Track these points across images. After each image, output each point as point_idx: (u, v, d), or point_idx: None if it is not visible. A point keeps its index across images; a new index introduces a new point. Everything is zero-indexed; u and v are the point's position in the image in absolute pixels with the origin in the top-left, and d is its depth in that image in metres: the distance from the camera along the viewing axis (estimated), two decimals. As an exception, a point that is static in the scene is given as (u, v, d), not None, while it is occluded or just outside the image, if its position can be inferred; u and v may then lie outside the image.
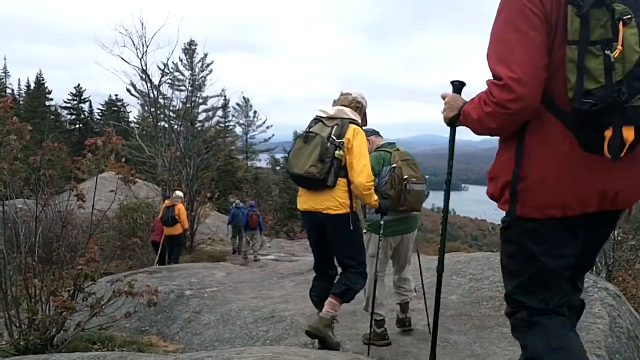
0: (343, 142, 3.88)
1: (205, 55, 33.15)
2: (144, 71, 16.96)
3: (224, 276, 8.35)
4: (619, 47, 1.62)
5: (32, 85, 49.07)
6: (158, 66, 19.64)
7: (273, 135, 47.94)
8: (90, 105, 51.49)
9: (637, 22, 1.65)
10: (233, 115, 44.58)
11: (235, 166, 36.99)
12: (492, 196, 2.06)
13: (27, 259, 5.02)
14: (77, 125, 49.80)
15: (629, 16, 1.64)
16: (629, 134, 1.68)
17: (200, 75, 31.71)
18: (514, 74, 1.75)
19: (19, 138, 4.92)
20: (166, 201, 13.32)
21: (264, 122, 47.69)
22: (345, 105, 4.13)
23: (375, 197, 3.99)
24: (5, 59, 64.92)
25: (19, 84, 51.69)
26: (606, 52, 1.63)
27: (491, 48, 1.88)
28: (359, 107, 4.20)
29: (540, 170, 1.86)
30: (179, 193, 13.63)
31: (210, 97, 29.38)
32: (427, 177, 4.71)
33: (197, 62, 33.12)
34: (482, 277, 5.92)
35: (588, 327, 4.21)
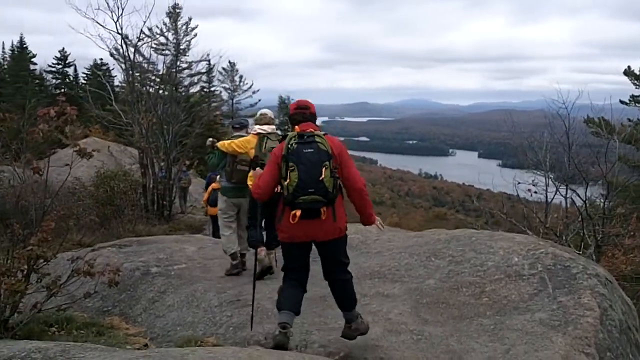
0: None
1: (190, 19, 31.94)
2: (120, 34, 16.32)
3: (195, 251, 7.93)
4: (288, 179, 3.92)
5: (16, 50, 47.62)
6: (137, 31, 18.76)
7: (260, 100, 47.06)
8: (75, 70, 50.17)
9: (297, 169, 3.90)
10: (219, 80, 43.54)
11: (220, 132, 36.31)
12: None
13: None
14: (62, 90, 48.59)
15: (293, 167, 3.91)
16: (297, 212, 3.93)
17: (185, 40, 30.61)
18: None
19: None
20: (214, 184, 13.75)
21: (250, 87, 46.76)
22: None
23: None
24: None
25: (3, 48, 50.09)
26: (285, 182, 3.95)
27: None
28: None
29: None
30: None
31: (195, 62, 28.48)
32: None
33: (182, 27, 31.96)
34: (462, 260, 5.53)
35: (576, 321, 3.81)
